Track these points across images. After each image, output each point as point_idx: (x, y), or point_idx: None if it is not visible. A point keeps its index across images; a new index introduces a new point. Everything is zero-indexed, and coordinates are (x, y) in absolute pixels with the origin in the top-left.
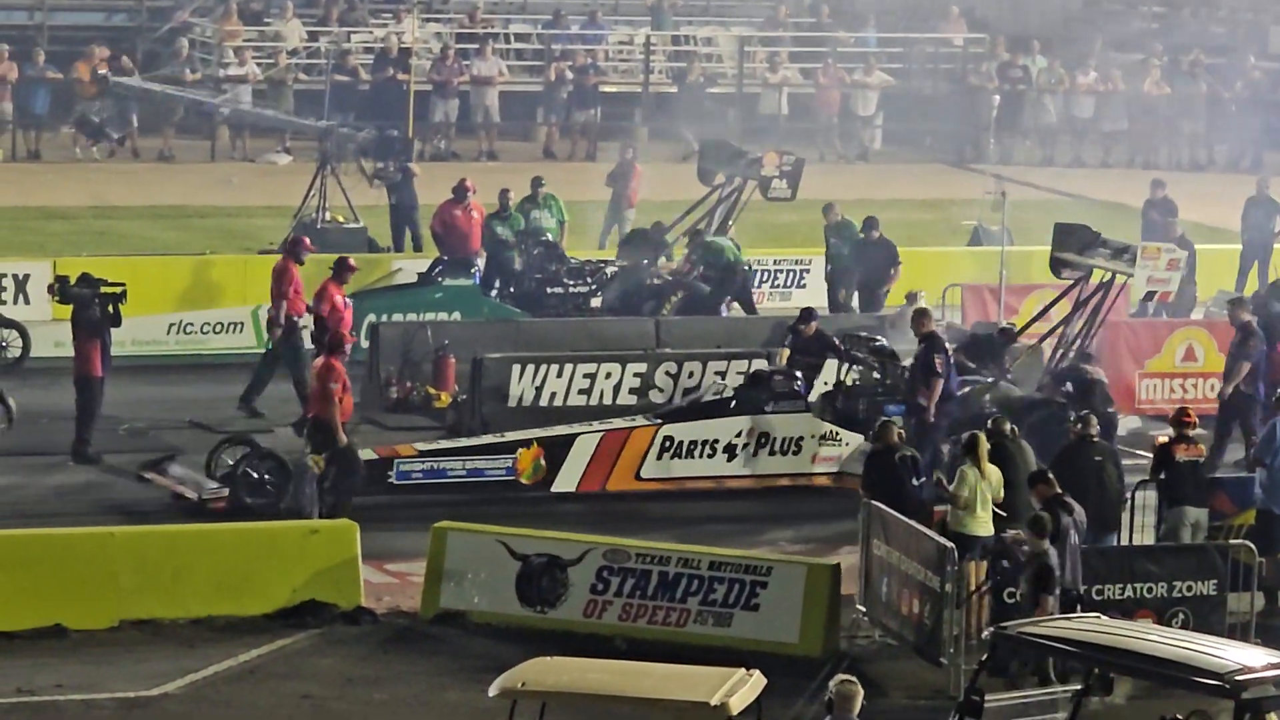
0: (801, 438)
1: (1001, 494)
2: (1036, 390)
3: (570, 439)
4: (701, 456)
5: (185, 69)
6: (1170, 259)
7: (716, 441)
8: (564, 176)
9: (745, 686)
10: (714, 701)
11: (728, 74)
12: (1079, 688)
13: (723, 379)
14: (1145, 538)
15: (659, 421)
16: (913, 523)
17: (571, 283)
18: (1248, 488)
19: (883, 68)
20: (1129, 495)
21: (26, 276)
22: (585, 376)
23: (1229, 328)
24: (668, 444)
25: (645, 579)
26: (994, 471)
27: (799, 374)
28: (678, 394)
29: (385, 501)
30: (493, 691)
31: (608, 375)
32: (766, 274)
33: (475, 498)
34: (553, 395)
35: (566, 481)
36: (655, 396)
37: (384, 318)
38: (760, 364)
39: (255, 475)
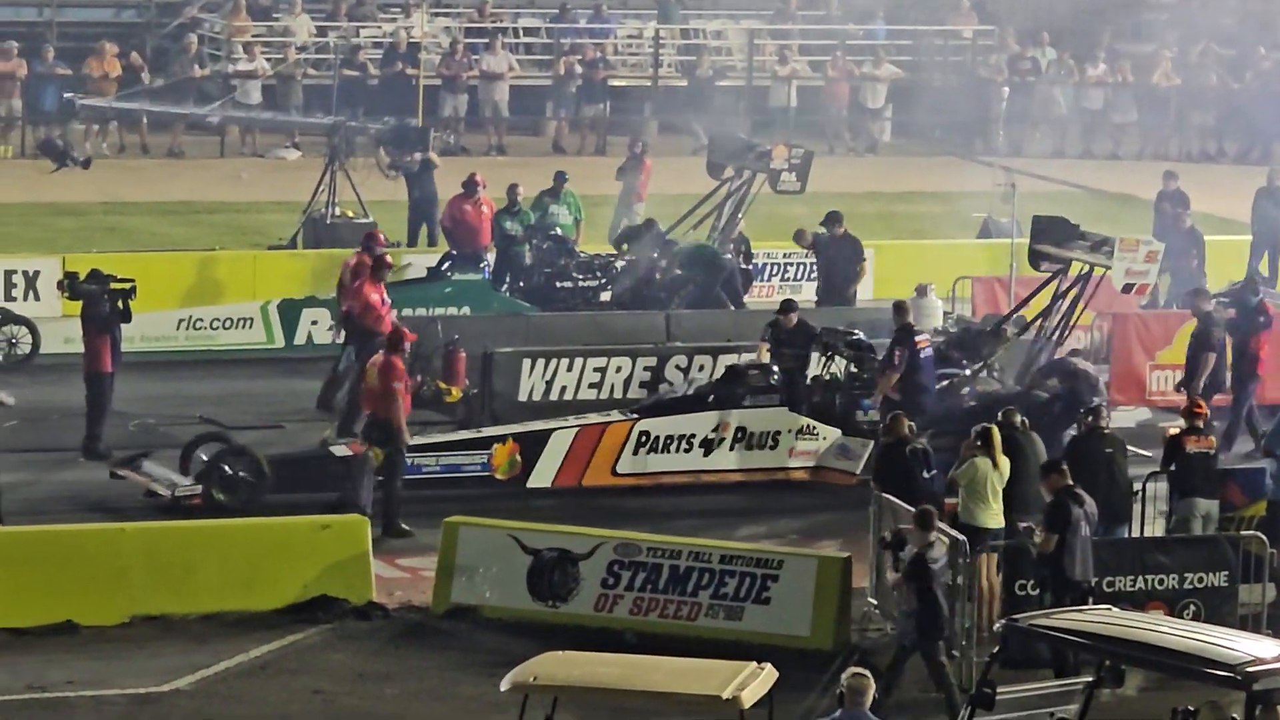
0: (778, 432)
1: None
2: (1017, 383)
3: (545, 435)
4: (678, 451)
5: (194, 65)
6: (1149, 251)
7: (693, 436)
8: (573, 171)
9: (757, 680)
10: (726, 695)
11: (737, 67)
12: (1090, 679)
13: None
14: (1156, 529)
15: (635, 417)
16: None
17: (581, 277)
18: (1258, 479)
19: (892, 60)
20: (1140, 487)
21: (36, 273)
22: (595, 370)
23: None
24: (644, 439)
25: (656, 573)
26: (1006, 464)
27: (775, 368)
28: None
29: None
30: (504, 686)
31: (618, 369)
32: (776, 267)
33: (450, 493)
34: (563, 389)
35: (542, 477)
36: (666, 391)
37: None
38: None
39: (230, 472)
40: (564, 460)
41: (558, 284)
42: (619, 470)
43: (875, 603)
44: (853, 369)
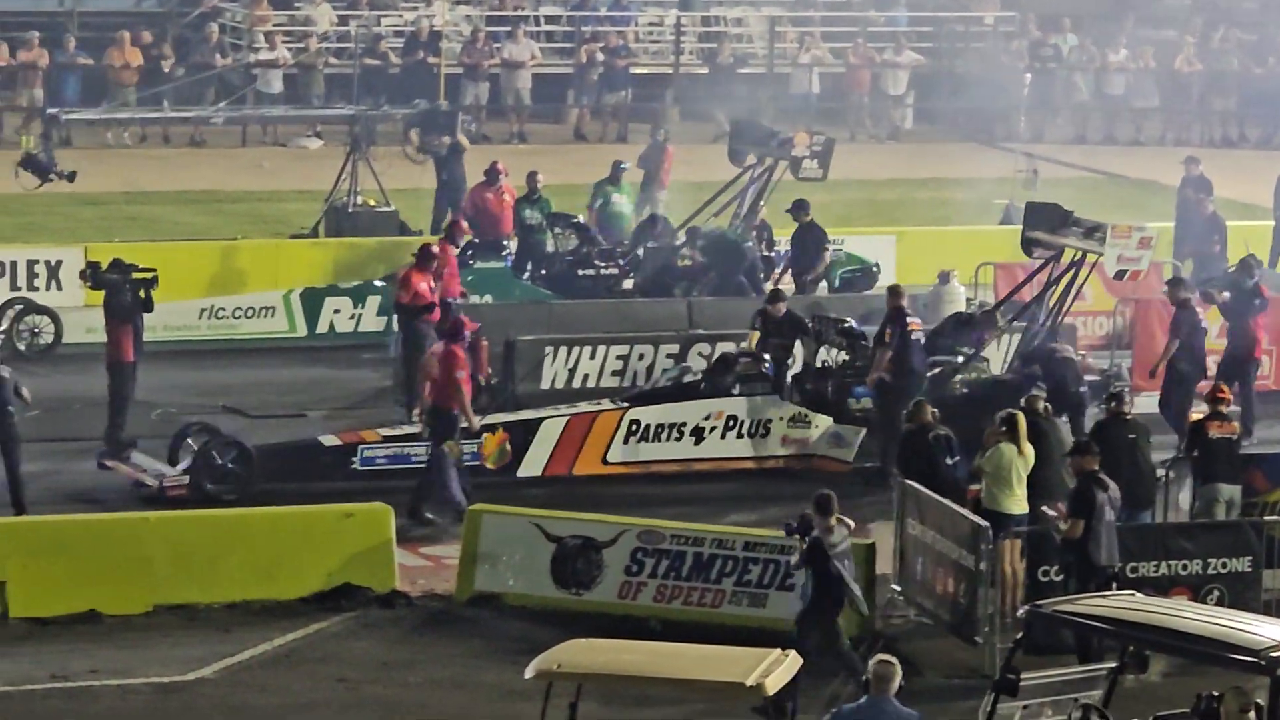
0: (770, 420)
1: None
2: (1005, 370)
3: (535, 423)
4: (668, 440)
5: (215, 54)
6: (1142, 237)
7: (683, 425)
8: (595, 158)
9: (781, 667)
10: (750, 682)
11: (758, 54)
12: (1114, 665)
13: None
14: (1179, 515)
15: (625, 405)
16: (947, 502)
17: (603, 264)
18: None
19: (913, 47)
20: (1163, 472)
21: (58, 262)
22: (618, 358)
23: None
24: (634, 428)
25: (680, 560)
26: (1030, 450)
27: (767, 356)
28: None
29: (348, 488)
30: (528, 673)
31: (640, 356)
32: None
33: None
34: (586, 377)
35: (532, 466)
36: (688, 379)
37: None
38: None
39: (218, 462)
40: (554, 449)
41: (580, 272)
42: (609, 459)
43: (899, 589)
44: (844, 356)
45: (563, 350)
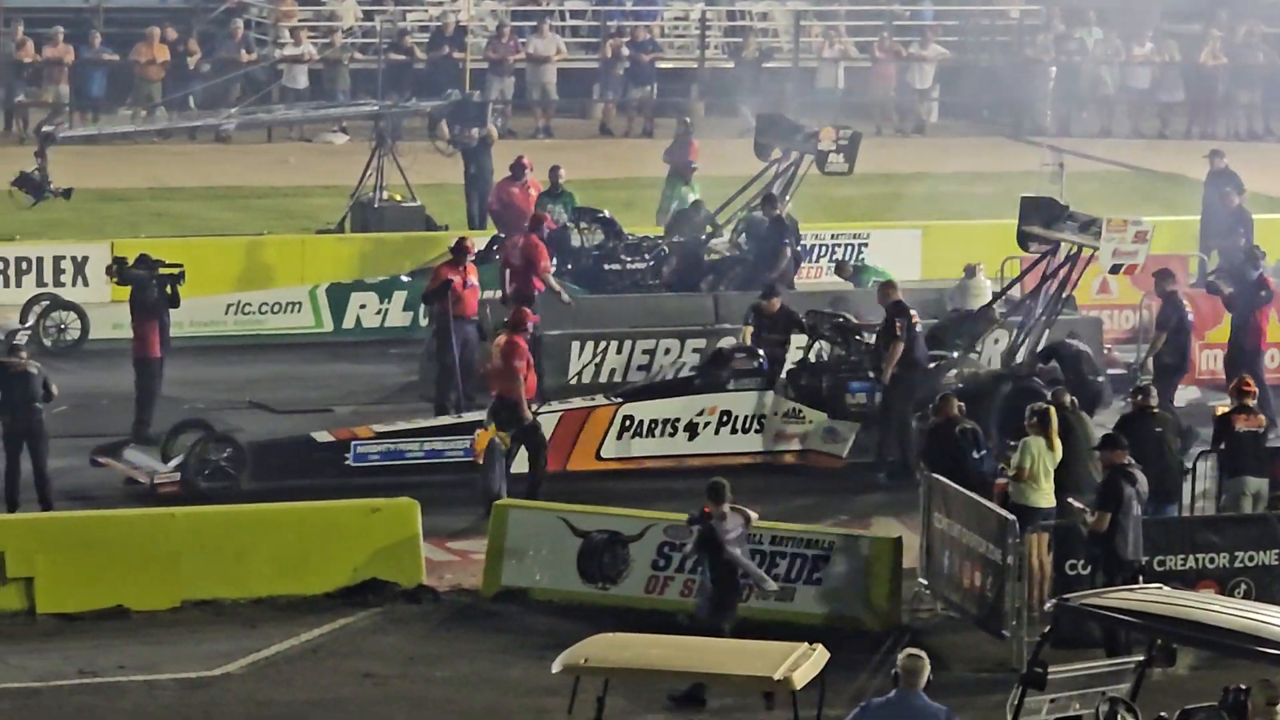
0: (764, 416)
1: None
2: (1004, 366)
3: None
4: (662, 436)
5: (241, 50)
6: (1138, 231)
7: (677, 420)
8: (620, 153)
9: (808, 661)
10: (777, 676)
11: (784, 48)
12: (1142, 658)
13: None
14: (1206, 508)
15: (619, 401)
16: (974, 496)
17: (629, 259)
18: None
19: (939, 40)
20: (1189, 466)
21: (85, 259)
22: (644, 352)
23: None
24: (628, 423)
25: None
26: (1059, 445)
27: (761, 351)
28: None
29: (342, 485)
30: (556, 668)
31: (667, 351)
32: (824, 248)
33: (434, 479)
34: (612, 371)
35: (526, 462)
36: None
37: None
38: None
39: (211, 459)
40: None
41: (606, 266)
42: (603, 455)
43: (926, 583)
44: (839, 352)
45: (589, 345)
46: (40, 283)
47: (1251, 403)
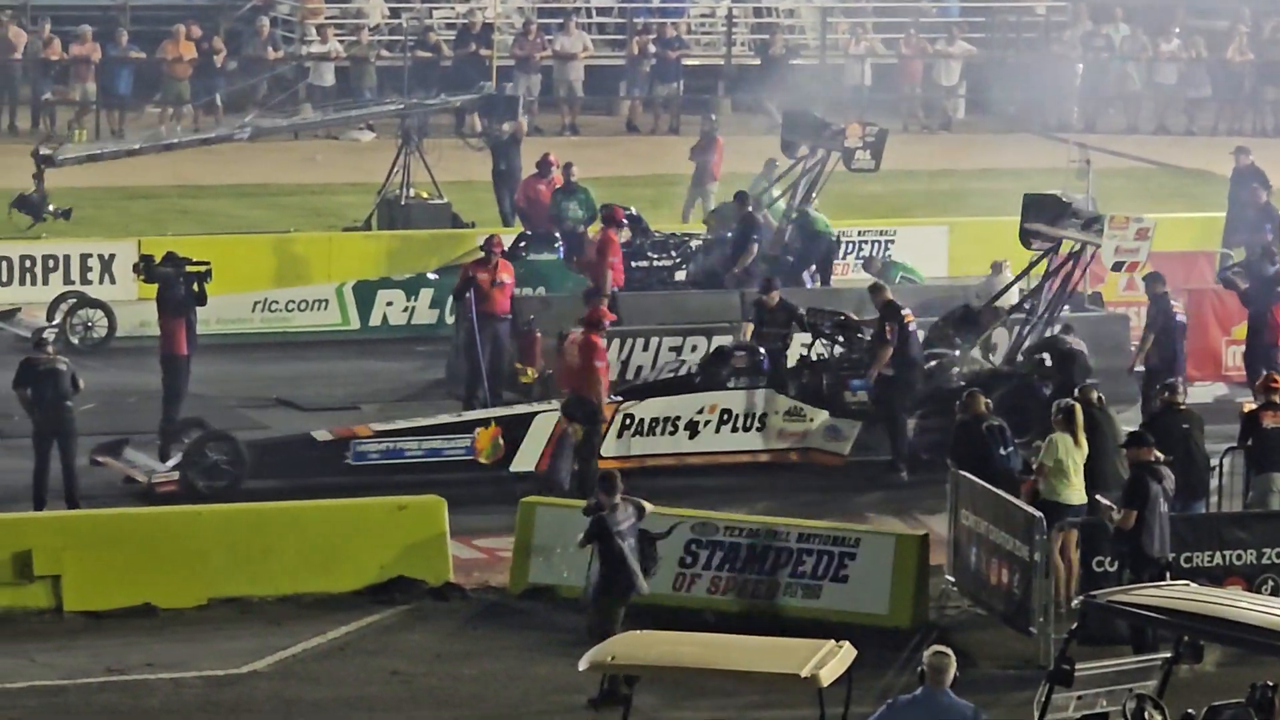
0: (765, 413)
1: None
2: (1005, 362)
3: (528, 418)
4: (663, 434)
5: (267, 47)
6: (1139, 228)
7: (678, 419)
8: (647, 151)
9: (835, 658)
10: (804, 673)
11: (810, 45)
12: (1169, 655)
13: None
14: (1233, 505)
15: (619, 399)
16: (1001, 492)
17: (656, 256)
18: None
19: (965, 37)
20: (1217, 462)
21: (112, 256)
22: (671, 350)
23: None
24: (628, 422)
25: (734, 552)
26: (1084, 442)
27: (762, 349)
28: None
29: (342, 483)
30: (583, 665)
31: (694, 348)
32: (851, 245)
33: (434, 478)
34: (639, 368)
35: (526, 460)
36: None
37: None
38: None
39: (209, 458)
40: (548, 444)
41: (633, 263)
42: (603, 453)
43: (953, 580)
44: (840, 349)
45: (615, 342)
46: (67, 280)
47: (1278, 399)
